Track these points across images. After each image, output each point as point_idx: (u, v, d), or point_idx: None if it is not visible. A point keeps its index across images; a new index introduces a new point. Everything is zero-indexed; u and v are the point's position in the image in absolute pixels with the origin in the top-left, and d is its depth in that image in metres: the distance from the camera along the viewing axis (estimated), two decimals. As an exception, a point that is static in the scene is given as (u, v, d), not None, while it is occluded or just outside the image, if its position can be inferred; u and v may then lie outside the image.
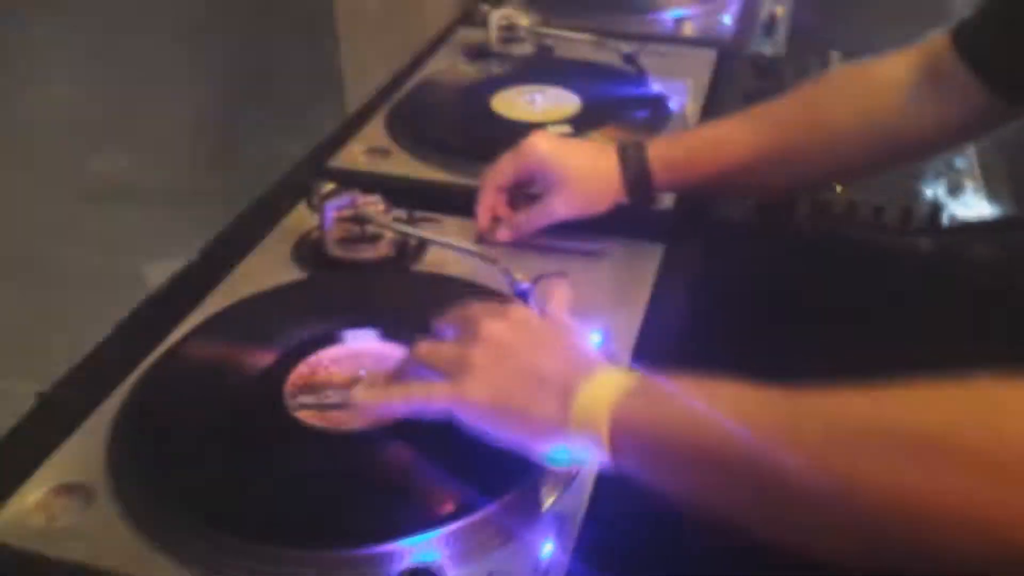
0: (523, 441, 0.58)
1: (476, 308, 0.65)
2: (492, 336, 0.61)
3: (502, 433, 0.59)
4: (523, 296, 0.76)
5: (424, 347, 0.64)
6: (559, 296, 0.68)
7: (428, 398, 0.61)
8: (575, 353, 0.61)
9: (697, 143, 0.90)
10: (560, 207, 0.87)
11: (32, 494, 0.63)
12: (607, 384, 0.57)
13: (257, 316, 0.78)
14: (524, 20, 1.32)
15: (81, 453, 0.67)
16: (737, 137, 0.88)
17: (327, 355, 0.74)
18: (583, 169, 0.88)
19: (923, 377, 0.45)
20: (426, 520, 0.58)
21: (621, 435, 0.55)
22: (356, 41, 3.30)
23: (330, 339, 0.75)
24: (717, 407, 0.52)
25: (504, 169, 0.90)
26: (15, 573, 0.59)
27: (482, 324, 0.62)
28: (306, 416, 0.68)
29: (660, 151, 0.87)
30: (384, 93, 1.23)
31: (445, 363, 0.62)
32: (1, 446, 0.69)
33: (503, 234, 0.90)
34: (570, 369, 0.59)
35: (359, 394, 0.67)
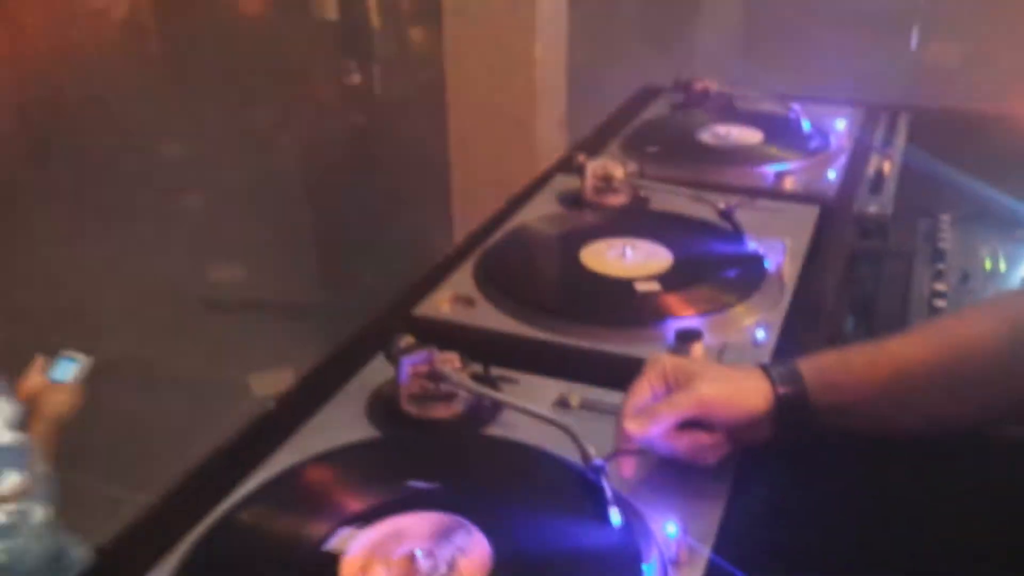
0: None
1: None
2: None
3: None
4: (595, 471, 0.72)
5: None
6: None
7: None
8: None
9: (855, 353, 0.79)
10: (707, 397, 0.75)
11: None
12: None
13: (318, 482, 0.76)
14: (620, 172, 1.31)
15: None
16: (903, 349, 0.78)
17: (386, 528, 0.70)
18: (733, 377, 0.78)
19: None
20: None
21: None
22: (467, 174, 3.40)
23: (393, 507, 0.72)
24: None
25: (677, 412, 0.75)
26: None
27: None
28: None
29: (811, 363, 0.77)
30: (476, 238, 1.23)
31: None
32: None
33: (637, 427, 0.75)
34: None
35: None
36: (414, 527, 0.70)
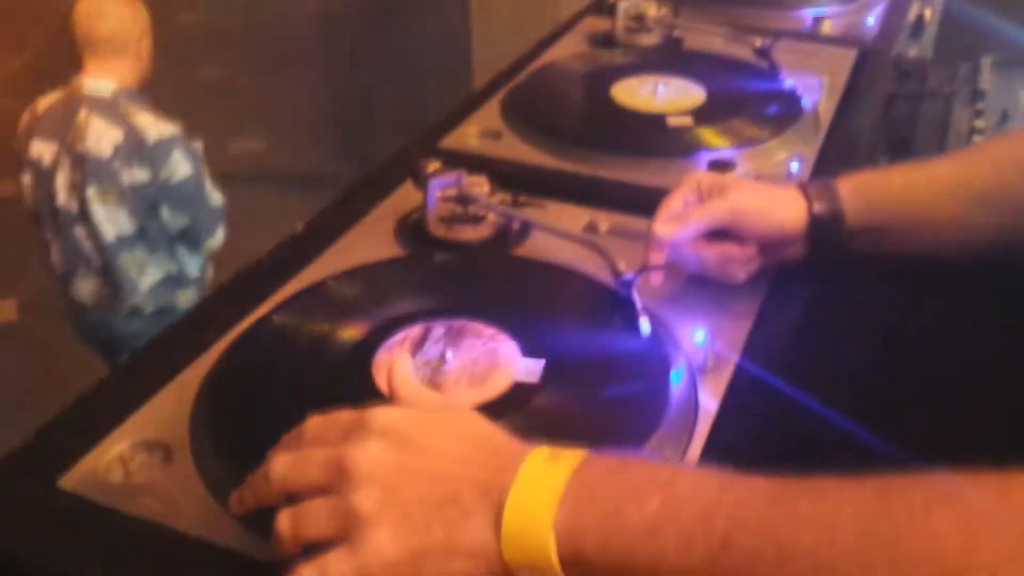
0: None
1: (317, 431, 0.51)
2: (365, 468, 0.47)
3: None
4: (625, 287, 0.72)
5: (289, 519, 0.49)
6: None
7: None
8: (483, 445, 0.49)
9: (895, 173, 0.77)
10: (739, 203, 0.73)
11: (113, 448, 0.63)
12: (539, 481, 0.46)
13: (348, 290, 0.77)
14: (652, 10, 1.28)
15: (165, 412, 0.66)
16: (944, 169, 0.76)
17: (418, 331, 0.71)
18: (768, 190, 0.77)
19: None
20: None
21: (572, 556, 0.45)
22: (488, 29, 3.33)
23: (423, 316, 0.72)
24: (683, 512, 0.43)
25: (708, 218, 0.74)
26: (88, 524, 0.59)
27: (346, 457, 0.48)
28: (381, 376, 0.66)
29: (850, 181, 0.75)
30: (503, 77, 1.21)
31: (328, 529, 0.47)
32: (87, 399, 0.69)
33: (667, 230, 0.73)
34: (487, 469, 0.47)
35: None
36: (441, 331, 0.71)
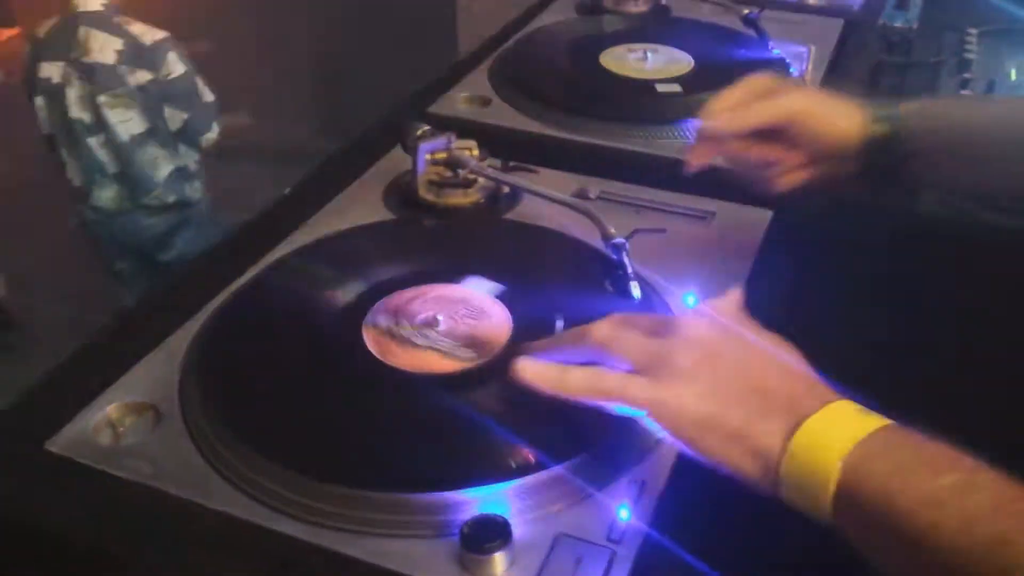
0: (729, 462, 0.49)
1: (635, 344, 0.53)
2: (695, 335, 0.51)
3: (705, 449, 0.49)
4: (616, 250, 0.72)
5: (607, 329, 0.53)
6: (731, 300, 0.56)
7: (623, 393, 0.51)
8: (799, 371, 0.51)
9: (956, 102, 0.77)
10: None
11: (102, 410, 0.63)
12: (844, 421, 0.47)
13: (338, 253, 0.76)
14: (641, -22, 1.27)
15: (155, 373, 0.66)
16: (1008, 104, 0.76)
17: (409, 295, 0.71)
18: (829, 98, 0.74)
19: None
20: (496, 471, 0.55)
21: (849, 493, 0.45)
22: (473, 21, 3.31)
23: (412, 280, 0.72)
24: (974, 497, 0.42)
25: (767, 114, 0.71)
26: (77, 485, 0.58)
27: (678, 320, 0.52)
28: (370, 338, 0.66)
29: (912, 105, 0.72)
30: (491, 44, 1.20)
31: (640, 355, 0.51)
32: (75, 361, 0.68)
33: (717, 121, 0.71)
34: (799, 388, 0.49)
35: (526, 368, 0.54)
36: (431, 295, 0.70)
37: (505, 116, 1.01)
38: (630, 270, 0.71)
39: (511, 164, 0.89)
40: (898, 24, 1.26)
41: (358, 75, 3.69)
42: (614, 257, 0.72)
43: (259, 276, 0.73)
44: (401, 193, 0.87)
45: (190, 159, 2.41)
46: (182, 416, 0.62)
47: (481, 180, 0.85)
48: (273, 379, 0.64)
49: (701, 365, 0.50)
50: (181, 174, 2.38)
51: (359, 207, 0.86)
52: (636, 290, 0.70)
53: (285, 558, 0.54)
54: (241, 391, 0.63)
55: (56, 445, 0.60)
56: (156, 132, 2.29)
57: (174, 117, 2.31)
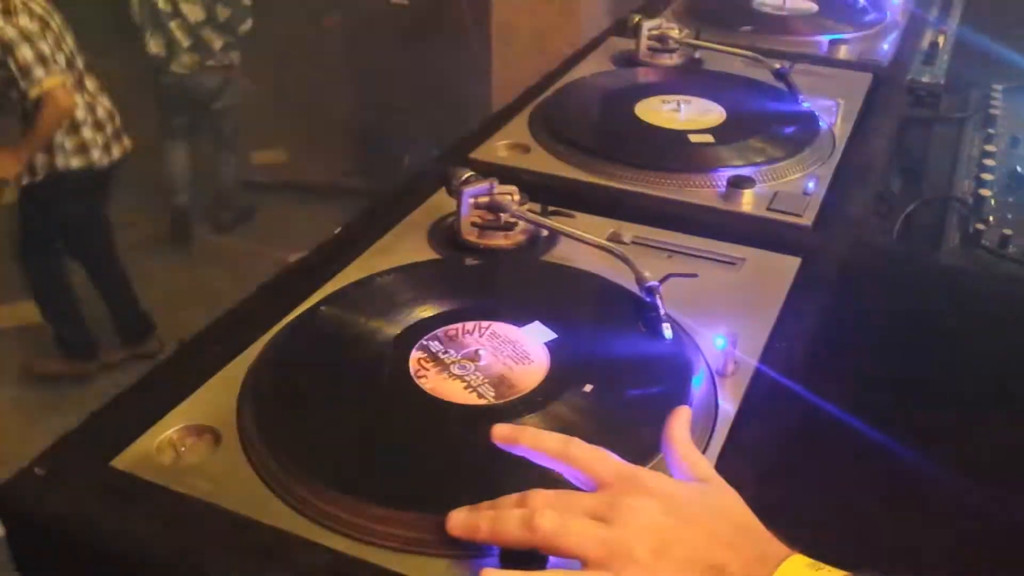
0: None
1: (602, 469, 0.55)
2: (647, 521, 0.52)
3: None
4: (649, 293, 0.75)
5: (550, 521, 0.52)
6: (680, 421, 0.59)
7: None
8: (748, 530, 0.53)
9: None
10: None
11: (164, 432, 0.67)
12: None
13: (389, 289, 0.80)
14: (675, 32, 1.32)
15: (215, 399, 0.70)
16: None
17: (468, 327, 0.75)
18: None
19: None
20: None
21: None
22: (508, 50, 3.37)
23: (458, 316, 0.76)
24: None
25: None
26: (139, 500, 0.62)
27: (628, 503, 0.52)
28: (415, 361, 0.70)
29: None
30: (531, 94, 1.25)
31: (596, 549, 0.51)
32: (140, 385, 0.72)
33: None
34: (750, 553, 0.51)
35: (458, 521, 0.56)
36: (489, 331, 0.75)
37: (544, 163, 1.06)
38: (662, 312, 0.74)
39: (550, 209, 0.93)
40: (925, 79, 1.30)
41: (392, 117, 3.77)
42: (647, 299, 0.76)
43: (313, 308, 0.78)
44: (445, 234, 0.91)
45: (232, 38, 3.54)
46: (239, 438, 0.66)
47: (521, 224, 0.89)
48: (322, 404, 0.69)
49: (659, 556, 0.50)
50: (228, 47, 3.54)
51: (405, 246, 0.90)
52: (668, 331, 0.74)
53: (334, 570, 0.57)
54: (293, 415, 0.67)
55: (121, 463, 0.65)
56: (212, 19, 3.46)
57: (223, 11, 3.47)
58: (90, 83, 2.66)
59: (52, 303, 2.86)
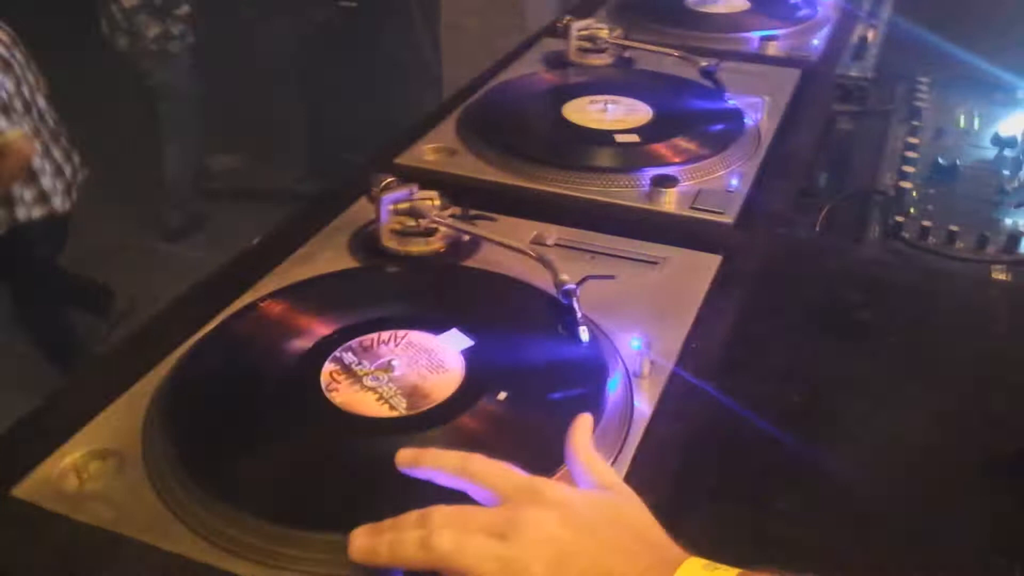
0: None
1: (501, 483, 0.54)
2: (544, 533, 0.51)
3: None
4: (567, 295, 0.75)
5: (449, 541, 0.52)
6: (582, 429, 0.58)
7: None
8: (644, 536, 0.53)
9: None
10: None
11: (68, 456, 0.65)
12: None
13: (301, 302, 0.79)
14: (604, 32, 1.31)
15: (120, 421, 0.68)
16: None
17: (384, 336, 0.74)
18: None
19: None
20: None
21: None
22: (457, 48, 3.37)
23: (374, 326, 0.75)
24: None
25: None
26: (40, 530, 0.60)
27: (525, 516, 0.52)
28: (327, 374, 0.69)
29: None
30: (460, 96, 1.24)
31: (492, 565, 0.50)
32: (41, 410, 0.70)
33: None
34: (646, 561, 0.50)
35: (359, 546, 0.54)
36: (405, 340, 0.73)
37: (470, 166, 1.05)
38: (579, 315, 0.73)
39: (471, 212, 0.92)
40: (853, 73, 1.31)
41: (343, 122, 3.74)
42: (565, 302, 0.75)
43: (221, 326, 0.76)
44: (366, 241, 0.90)
45: (171, 24, 3.49)
46: (145, 462, 0.64)
47: (442, 229, 0.88)
48: (229, 424, 0.67)
49: (555, 570, 0.50)
50: (164, 33, 3.49)
51: (326, 255, 0.88)
52: (585, 334, 0.73)
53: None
54: (199, 438, 0.65)
55: (21, 491, 0.63)
56: (147, 5, 3.39)
57: None
58: (50, 119, 2.53)
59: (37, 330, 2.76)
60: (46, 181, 2.44)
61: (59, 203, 2.48)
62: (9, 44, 2.36)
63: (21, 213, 2.42)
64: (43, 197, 2.44)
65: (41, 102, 2.46)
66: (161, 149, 3.68)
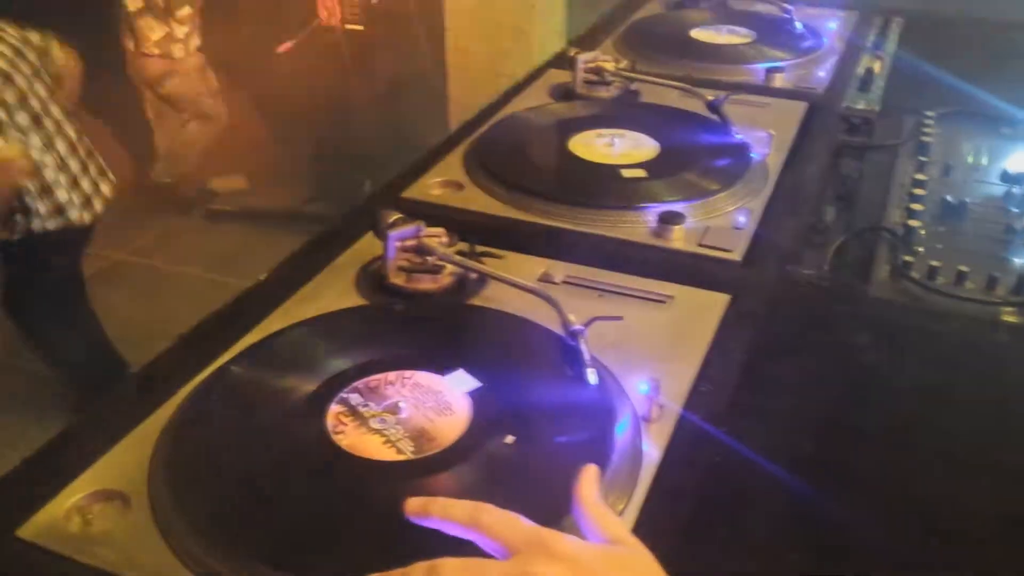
0: None
1: (511, 535, 0.54)
2: None
3: None
4: (574, 336, 0.74)
5: None
6: (588, 481, 0.57)
7: None
8: None
9: None
10: None
11: (72, 498, 0.64)
12: None
13: (306, 342, 0.79)
14: (610, 64, 1.32)
15: (126, 462, 0.68)
16: None
17: (390, 377, 0.73)
18: None
19: None
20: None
21: None
22: (463, 73, 3.38)
23: (380, 366, 0.74)
24: None
25: None
26: (43, 574, 0.60)
27: (535, 571, 0.51)
28: (332, 416, 0.68)
29: None
30: (467, 128, 1.24)
31: None
32: (47, 450, 0.70)
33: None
34: None
35: None
36: (411, 381, 0.73)
37: (477, 201, 1.05)
38: (586, 357, 0.73)
39: (479, 249, 0.92)
40: (860, 106, 1.31)
41: (349, 143, 3.75)
42: (572, 344, 0.75)
43: (226, 366, 0.76)
44: (373, 278, 0.90)
45: None
46: (150, 503, 0.64)
47: (449, 266, 0.88)
48: (235, 467, 0.66)
49: None
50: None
51: (332, 292, 0.88)
52: (593, 377, 0.72)
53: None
54: (205, 480, 0.65)
55: (27, 532, 0.62)
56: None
57: None
58: (69, 130, 2.41)
59: (52, 349, 2.71)
60: (61, 194, 2.40)
61: (76, 215, 2.44)
62: (12, 55, 2.28)
63: (36, 225, 2.39)
64: (59, 210, 2.42)
65: (56, 112, 2.40)
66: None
